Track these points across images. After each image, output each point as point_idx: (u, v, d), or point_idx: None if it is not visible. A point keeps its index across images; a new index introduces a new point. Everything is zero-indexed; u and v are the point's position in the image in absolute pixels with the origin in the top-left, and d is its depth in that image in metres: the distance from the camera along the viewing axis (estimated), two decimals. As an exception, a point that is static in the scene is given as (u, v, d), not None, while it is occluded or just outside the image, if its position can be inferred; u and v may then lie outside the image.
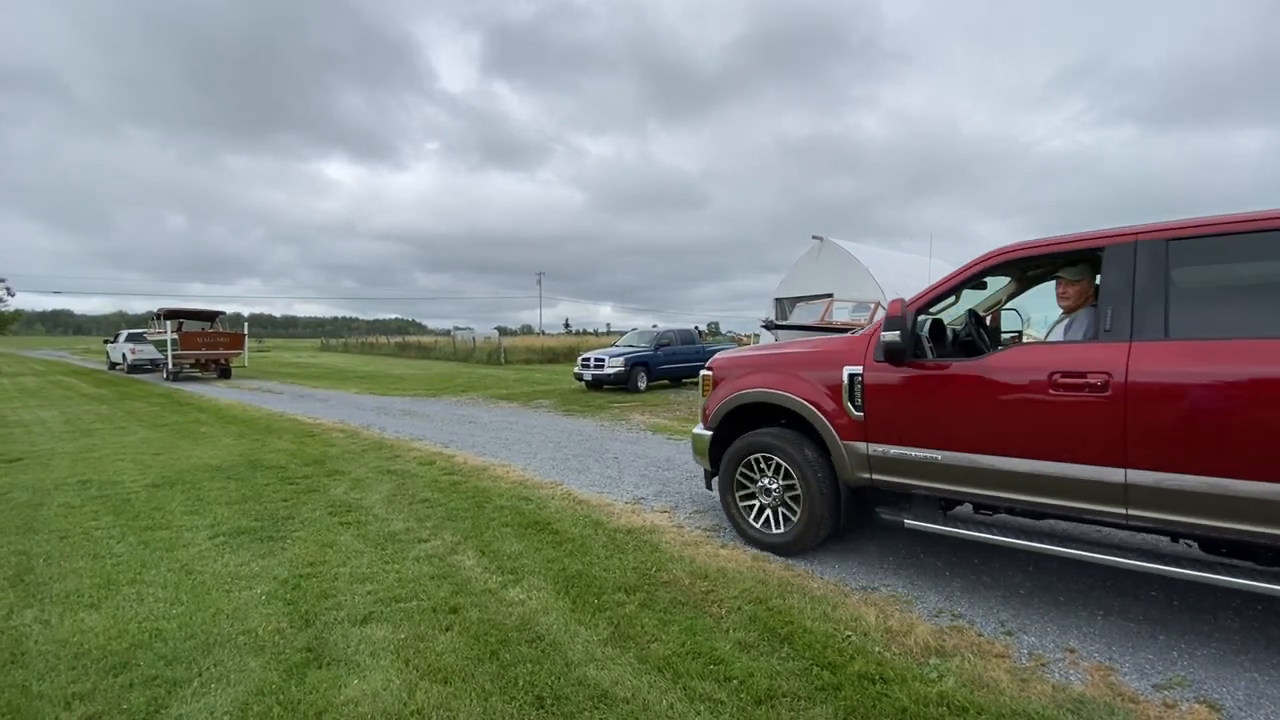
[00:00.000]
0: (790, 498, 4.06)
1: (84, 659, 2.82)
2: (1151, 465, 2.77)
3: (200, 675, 2.68)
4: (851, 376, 3.71)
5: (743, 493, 4.33)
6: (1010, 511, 3.46)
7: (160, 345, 20.32)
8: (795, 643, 2.90)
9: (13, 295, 26.58)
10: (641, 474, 6.43)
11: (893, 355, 3.48)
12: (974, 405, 3.28)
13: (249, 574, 3.77)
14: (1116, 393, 2.84)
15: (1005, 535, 3.31)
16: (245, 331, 22.33)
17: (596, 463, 7.02)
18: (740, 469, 4.30)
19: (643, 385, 15.17)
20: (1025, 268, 3.95)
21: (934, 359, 3.54)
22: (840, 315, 13.41)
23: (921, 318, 3.70)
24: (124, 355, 23.26)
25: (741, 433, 4.32)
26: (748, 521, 4.27)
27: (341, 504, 5.27)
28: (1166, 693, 2.55)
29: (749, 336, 27.30)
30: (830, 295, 14.95)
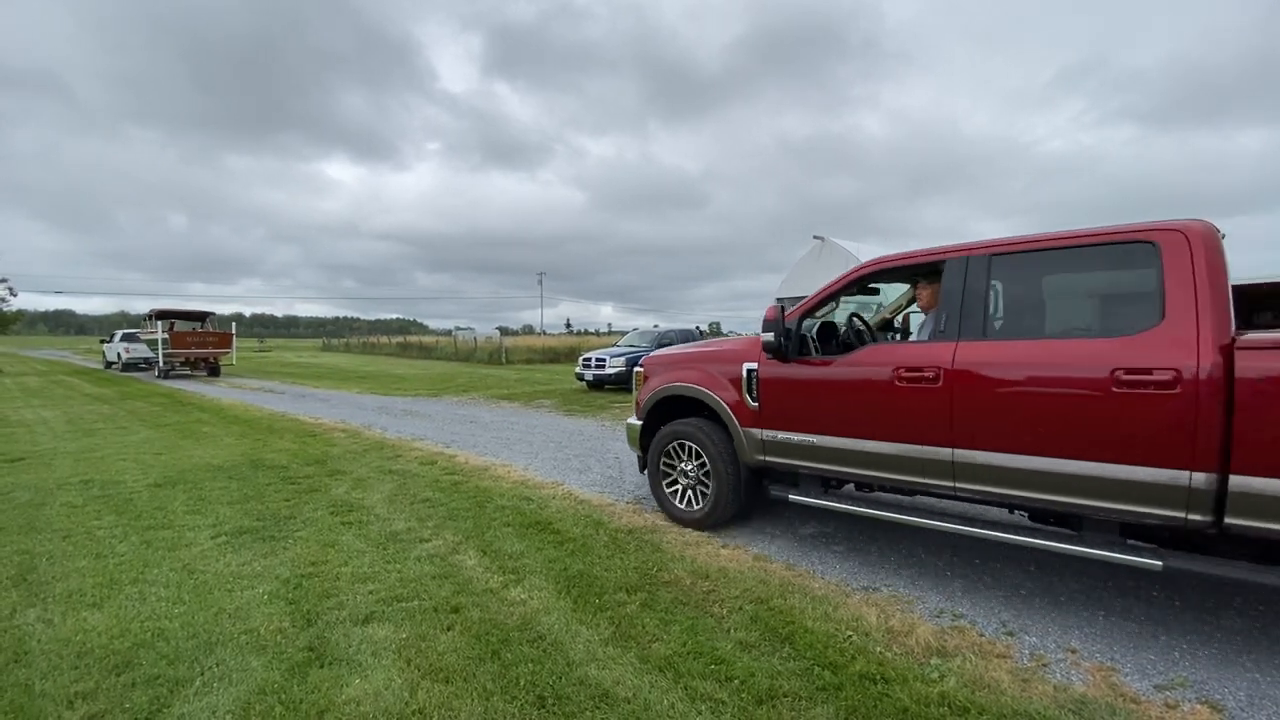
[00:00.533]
0: (704, 478, 4.55)
1: (86, 658, 2.83)
2: (969, 445, 3.27)
3: (202, 674, 2.69)
4: (749, 372, 4.24)
5: (667, 476, 4.80)
6: (882, 488, 4.02)
7: (152, 344, 21.17)
8: (796, 643, 2.90)
9: (15, 295, 26.63)
10: (642, 474, 6.43)
11: (773, 354, 4.02)
12: (839, 396, 3.82)
13: (251, 573, 3.77)
14: (945, 384, 3.33)
15: (872, 509, 3.84)
16: (233, 332, 22.96)
17: (598, 463, 7.02)
18: (664, 454, 4.80)
19: (644, 385, 15.14)
20: (894, 278, 4.31)
21: (819, 356, 4.01)
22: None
23: (808, 321, 4.19)
24: (119, 354, 24.00)
25: (668, 422, 4.83)
26: (671, 501, 4.76)
27: (343, 504, 5.27)
28: (1168, 693, 2.54)
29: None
30: (832, 295, 14.96)
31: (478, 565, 3.89)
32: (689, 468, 4.65)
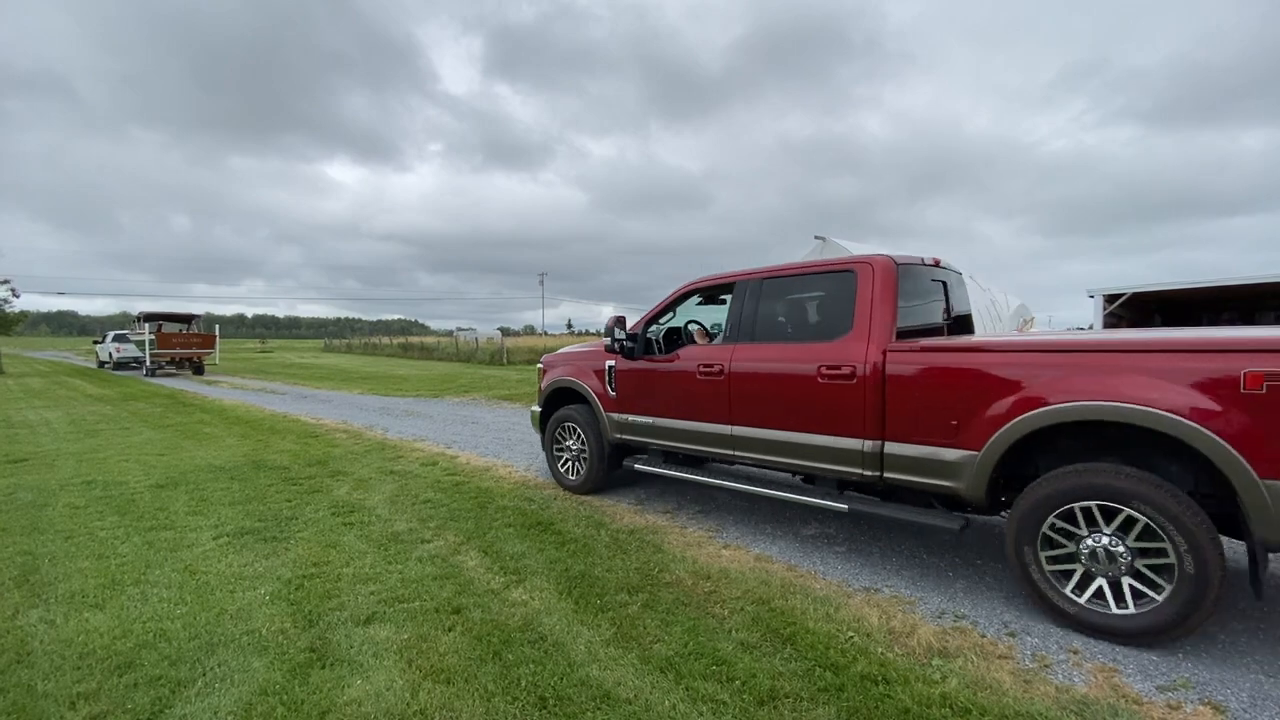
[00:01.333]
0: (583, 452, 5.59)
1: (89, 659, 2.84)
2: (740, 423, 4.33)
3: (204, 675, 2.70)
4: (610, 367, 5.29)
5: (557, 451, 5.88)
6: (700, 459, 5.16)
7: (140, 345, 22.82)
8: (798, 643, 2.89)
9: (18, 296, 26.58)
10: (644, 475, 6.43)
11: (621, 353, 5.11)
12: (666, 385, 4.86)
13: (253, 574, 3.78)
14: (725, 377, 4.39)
15: (698, 475, 4.83)
16: (217, 333, 24.64)
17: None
18: (555, 433, 5.85)
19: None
20: (709, 294, 5.16)
21: (663, 354, 4.97)
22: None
23: (654, 328, 5.23)
24: (110, 354, 25.73)
25: (559, 409, 5.85)
26: (561, 472, 5.84)
27: (345, 505, 5.28)
28: (1170, 694, 2.54)
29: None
30: (833, 295, 14.93)
31: (479, 566, 3.89)
32: (572, 444, 5.73)
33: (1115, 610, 2.91)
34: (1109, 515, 2.90)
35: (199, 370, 23.24)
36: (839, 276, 4.01)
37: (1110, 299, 11.22)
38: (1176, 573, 2.74)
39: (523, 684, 2.61)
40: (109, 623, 3.18)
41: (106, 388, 17.70)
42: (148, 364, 22.13)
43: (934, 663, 2.76)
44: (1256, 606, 3.24)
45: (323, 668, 2.75)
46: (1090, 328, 12.70)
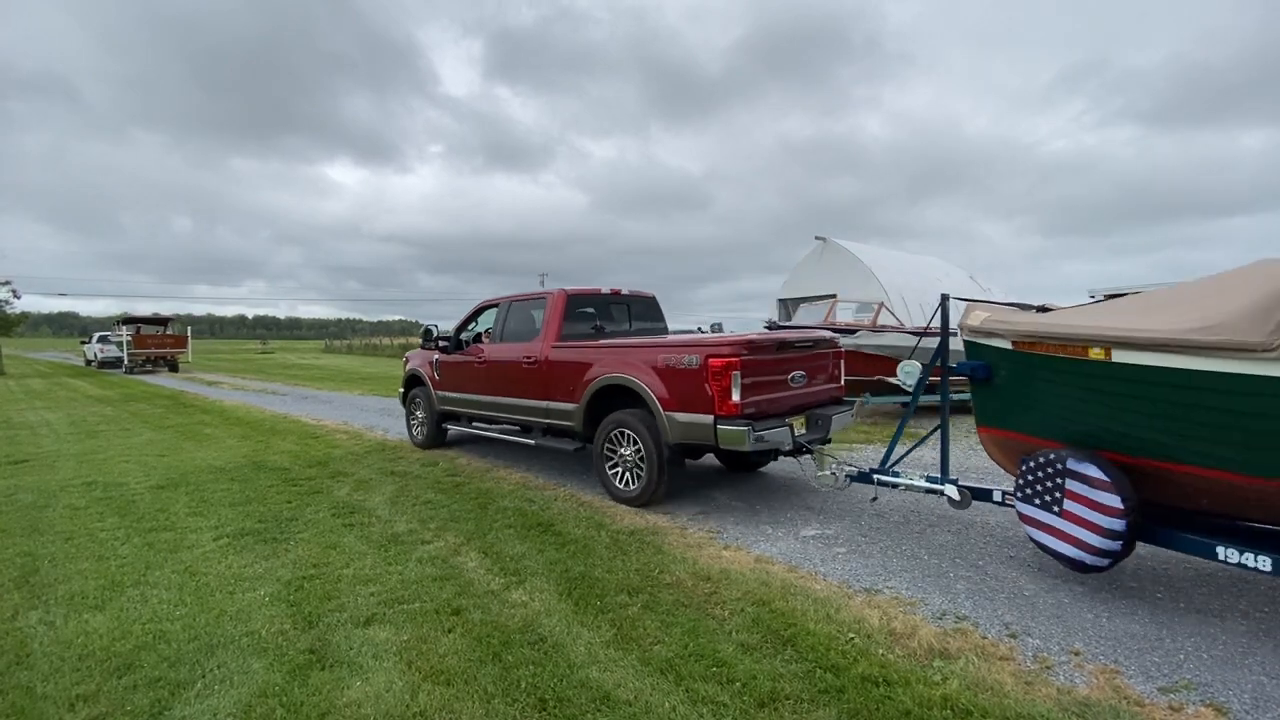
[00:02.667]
0: (426, 420, 7.82)
1: (88, 660, 2.83)
2: (496, 394, 6.52)
3: (204, 677, 2.69)
4: (434, 360, 7.53)
5: (410, 418, 8.18)
6: (481, 422, 7.14)
7: (120, 345, 25.71)
8: (798, 645, 2.89)
9: (19, 297, 26.68)
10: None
11: (441, 350, 7.40)
12: (460, 370, 7.11)
13: (252, 575, 3.78)
14: (485, 363, 6.66)
15: (479, 431, 7.16)
16: (189, 334, 28.29)
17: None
18: (409, 407, 8.17)
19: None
20: (491, 308, 7.32)
21: (462, 351, 7.12)
22: (844, 316, 13.37)
23: (465, 334, 7.30)
24: (95, 354, 28.08)
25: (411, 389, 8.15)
26: (412, 434, 8.17)
27: (345, 505, 5.28)
28: (1172, 696, 2.53)
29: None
30: (834, 296, 14.89)
31: (479, 567, 3.89)
32: (419, 414, 7.93)
33: (629, 489, 5.21)
34: (626, 437, 5.18)
35: (174, 368, 26.03)
36: (541, 300, 6.38)
37: (1111, 299, 11.25)
38: (646, 465, 5.04)
39: (522, 685, 2.60)
40: (109, 624, 3.17)
41: (107, 389, 17.71)
42: (126, 362, 25.08)
43: (935, 664, 2.75)
44: (1259, 608, 3.23)
45: (322, 669, 2.74)
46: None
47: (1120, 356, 3.07)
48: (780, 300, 20.36)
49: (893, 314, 14.02)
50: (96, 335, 29.25)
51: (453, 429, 7.69)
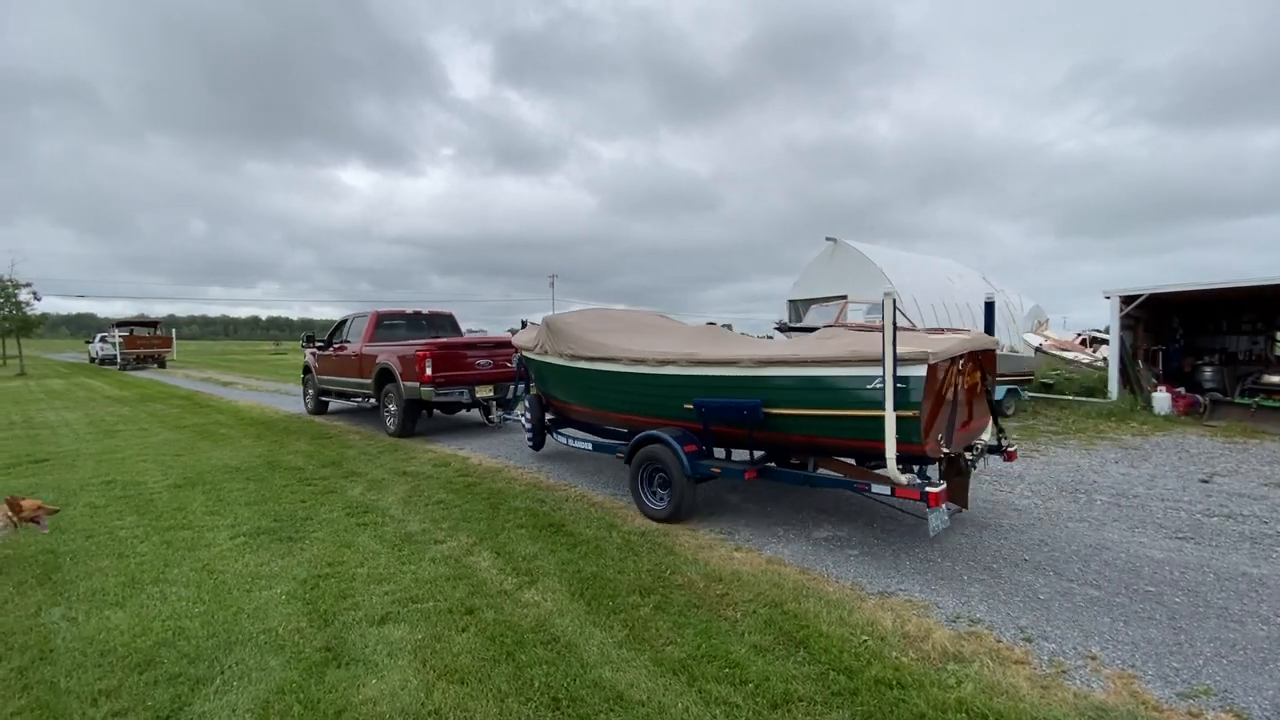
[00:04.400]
0: (316, 397, 11.53)
1: (110, 656, 2.88)
2: (342, 375, 10.46)
3: (222, 673, 2.73)
4: (314, 354, 11.37)
5: (306, 395, 11.91)
6: (346, 397, 10.79)
7: (114, 345, 30.79)
8: (811, 646, 2.88)
9: (39, 299, 27.11)
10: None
11: (317, 349, 11.29)
12: (327, 360, 10.84)
13: (269, 574, 3.82)
14: (356, 356, 9.90)
15: (347, 403, 11.48)
16: (173, 336, 34.42)
17: (610, 465, 7.02)
18: (304, 385, 12.09)
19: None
20: (346, 322, 11.07)
21: (330, 348, 10.72)
22: (855, 316, 13.30)
23: (335, 338, 10.80)
24: (96, 352, 33.63)
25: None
26: (305, 403, 11.95)
27: (359, 505, 5.32)
28: (1191, 701, 2.50)
29: (761, 339, 27.18)
30: (844, 297, 14.83)
31: (492, 567, 3.91)
32: (310, 391, 11.68)
33: (392, 426, 9.15)
34: (390, 395, 9.27)
35: (161, 364, 30.71)
36: (367, 317, 10.20)
37: (1127, 300, 11.08)
38: (398, 410, 9.00)
39: (536, 685, 2.62)
40: (129, 621, 3.22)
41: (124, 389, 17.95)
42: (119, 359, 29.72)
43: (949, 667, 2.74)
44: (1279, 613, 3.19)
45: (338, 667, 2.77)
46: (1107, 330, 12.53)
47: (537, 358, 6.74)
48: (790, 301, 20.30)
49: (905, 315, 13.95)
50: (98, 336, 34.47)
51: (328, 401, 11.69)
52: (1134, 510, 5.06)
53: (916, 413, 3.71)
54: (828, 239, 19.68)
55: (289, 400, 13.80)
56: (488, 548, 4.25)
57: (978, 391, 4.66)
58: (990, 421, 4.96)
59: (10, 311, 25.88)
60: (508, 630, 3.08)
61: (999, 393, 10.32)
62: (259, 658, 2.86)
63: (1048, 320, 18.29)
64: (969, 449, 4.61)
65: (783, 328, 13.41)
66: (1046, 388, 12.08)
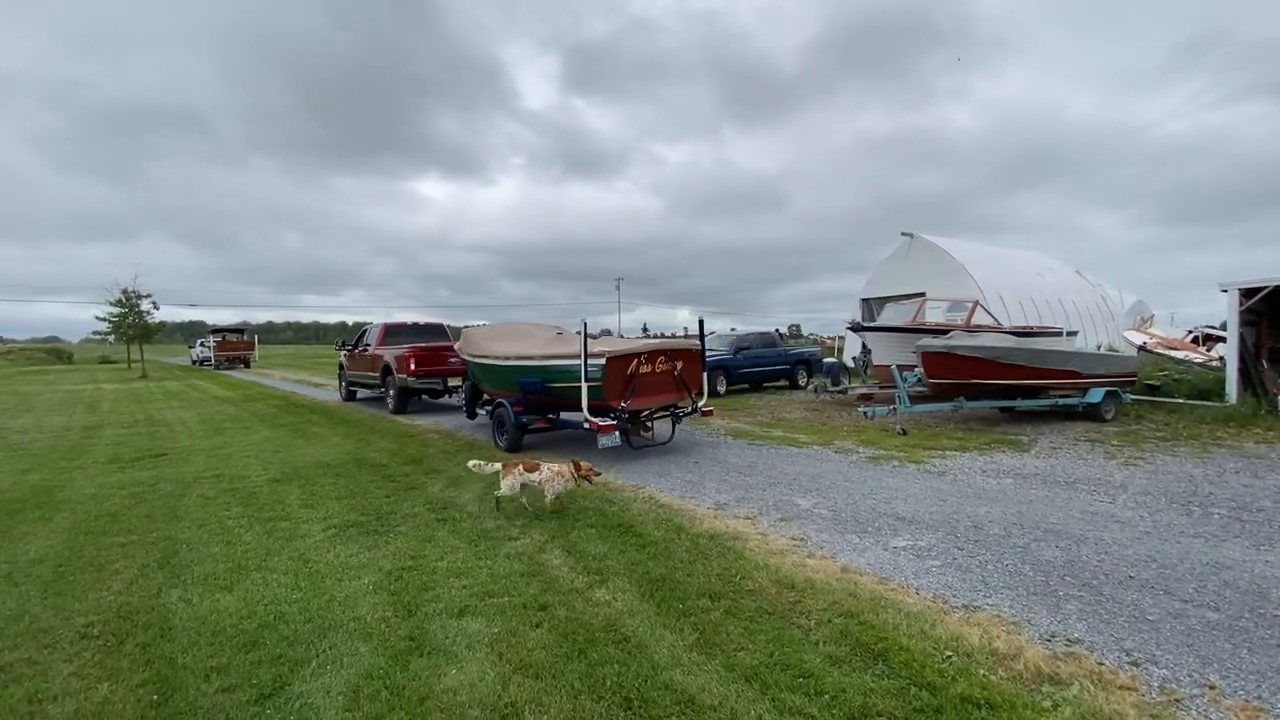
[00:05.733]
0: (347, 388, 15.54)
1: (220, 636, 3.13)
2: (362, 371, 14.17)
3: (317, 657, 2.91)
4: (346, 355, 15.14)
5: (340, 387, 16.16)
6: (364, 386, 14.70)
7: (209, 348, 37.42)
8: (890, 660, 2.77)
9: (158, 309, 30.02)
10: (722, 479, 6.37)
11: (348, 350, 14.92)
12: (353, 359, 14.50)
13: (357, 565, 4.05)
14: (372, 356, 13.43)
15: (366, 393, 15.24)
16: (255, 340, 40.90)
17: (676, 467, 7.02)
18: (339, 379, 16.29)
19: (721, 389, 15.02)
20: (365, 333, 14.65)
21: (357, 349, 14.39)
22: (934, 315, 12.70)
23: (360, 343, 14.44)
24: (195, 355, 40.80)
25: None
26: (340, 394, 15.87)
27: (438, 501, 5.56)
28: (1334, 742, 2.23)
29: (832, 339, 26.35)
30: (922, 294, 14.19)
31: (563, 565, 3.98)
32: (343, 384, 15.37)
33: (390, 406, 12.61)
34: (389, 384, 12.70)
35: (246, 364, 36.79)
36: (379, 327, 13.63)
37: (1247, 293, 10.03)
38: (395, 396, 12.45)
39: (607, 684, 2.64)
40: (236, 604, 3.49)
41: (230, 390, 19.51)
42: (213, 361, 36.42)
43: (1044, 689, 2.56)
44: None
45: (421, 656, 2.90)
46: (1223, 326, 11.41)
47: (464, 356, 9.91)
48: (863, 300, 19.61)
49: (988, 312, 13.18)
50: (198, 341, 42.06)
51: (358, 392, 15.01)
52: (1259, 526, 4.58)
53: (600, 384, 7.05)
54: (903, 234, 18.90)
55: (372, 402, 14.57)
56: (559, 546, 4.33)
57: (674, 375, 7.80)
58: (686, 394, 8.05)
59: (134, 320, 28.68)
60: (579, 628, 3.13)
61: (1097, 395, 9.58)
62: (349, 644, 3.03)
63: (1152, 316, 16.81)
64: (665, 409, 8.08)
65: (855, 327, 12.95)
66: (1152, 390, 11.11)
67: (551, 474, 5.11)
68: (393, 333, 13.51)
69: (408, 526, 4.84)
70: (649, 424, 8.45)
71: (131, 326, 28.87)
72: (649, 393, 7.46)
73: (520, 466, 5.17)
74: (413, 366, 11.75)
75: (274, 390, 19.10)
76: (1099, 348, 15.44)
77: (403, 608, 3.40)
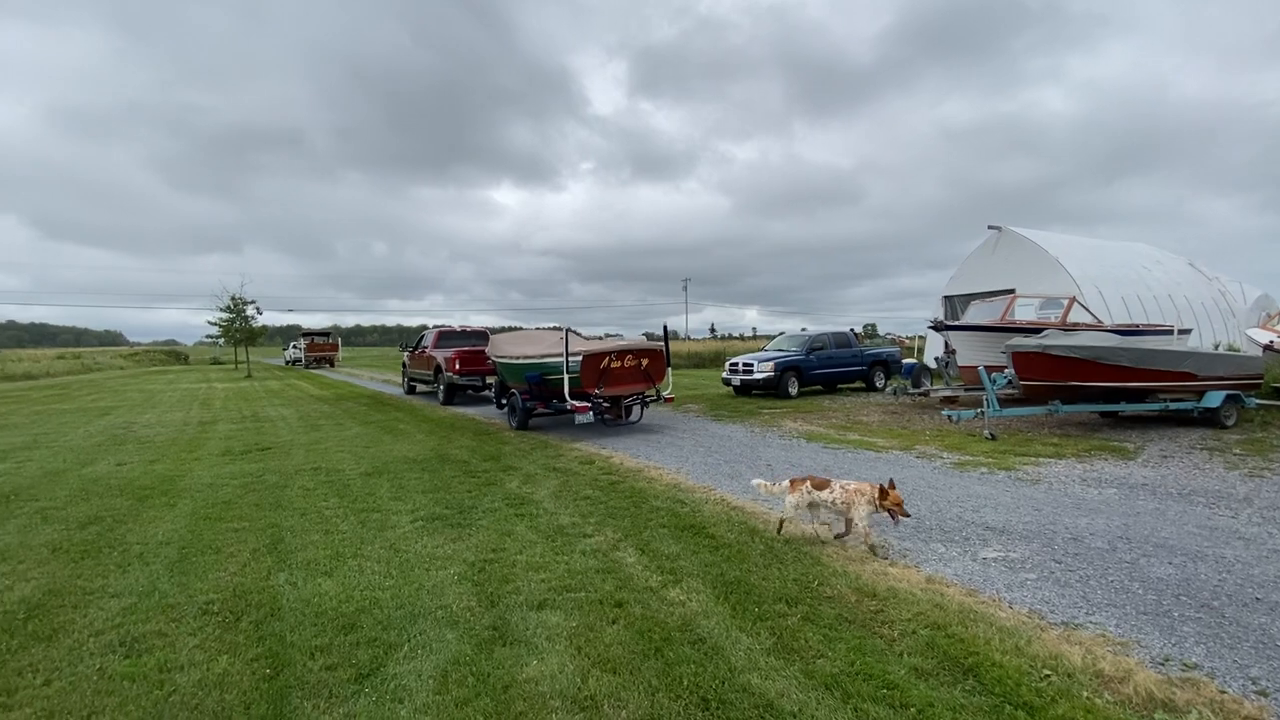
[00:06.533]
0: (406, 383, 19.32)
1: (322, 618, 3.36)
2: (420, 369, 17.26)
3: (409, 641, 3.08)
4: (409, 354, 18.36)
5: (402, 382, 19.88)
6: (422, 381, 17.91)
7: (299, 349, 42.82)
8: (982, 676, 2.64)
9: (261, 314, 32.63)
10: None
11: (409, 351, 18.33)
12: (413, 358, 17.54)
13: (443, 555, 4.25)
14: (425, 354, 16.61)
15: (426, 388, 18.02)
16: (339, 342, 45.84)
17: (749, 469, 6.94)
18: (403, 375, 19.88)
19: (794, 391, 14.72)
20: (451, 338, 16.74)
21: (416, 350, 17.36)
22: (1025, 313, 11.95)
23: (419, 345, 17.50)
24: (288, 356, 46.89)
25: None
26: (403, 388, 19.56)
27: (516, 497, 5.75)
28: None
29: (911, 339, 25.21)
30: (1012, 291, 13.36)
31: (637, 563, 4.03)
32: (405, 380, 18.90)
33: (439, 397, 15.29)
34: (439, 378, 15.36)
35: (331, 364, 41.25)
36: (436, 331, 16.55)
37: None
38: (443, 388, 14.95)
39: (684, 683, 2.66)
40: (336, 588, 3.75)
41: (325, 389, 20.90)
42: (303, 361, 41.39)
43: (1157, 716, 2.37)
44: None
45: (503, 645, 3.01)
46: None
47: (492, 358, 12.24)
48: (946, 297, 18.71)
49: (1087, 309, 12.27)
50: (290, 344, 47.93)
51: (419, 386, 17.57)
52: None
53: (577, 375, 9.09)
54: (990, 227, 17.89)
55: (430, 396, 15.21)
56: (632, 544, 4.38)
57: (640, 369, 9.87)
58: (652, 385, 10.12)
59: (241, 324, 31.24)
60: (655, 626, 3.16)
61: (1215, 399, 8.74)
62: (438, 630, 3.19)
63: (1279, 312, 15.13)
64: (632, 396, 10.03)
65: (938, 326, 12.35)
66: (1282, 394, 10.01)
67: (847, 493, 4.27)
68: (444, 337, 16.15)
69: (488, 520, 5.04)
70: (629, 410, 10.48)
71: (238, 330, 31.45)
72: (619, 383, 9.68)
73: (808, 483, 4.44)
74: (458, 366, 14.31)
75: (363, 390, 20.32)
76: (1217, 347, 14.06)
77: (485, 598, 3.54)
